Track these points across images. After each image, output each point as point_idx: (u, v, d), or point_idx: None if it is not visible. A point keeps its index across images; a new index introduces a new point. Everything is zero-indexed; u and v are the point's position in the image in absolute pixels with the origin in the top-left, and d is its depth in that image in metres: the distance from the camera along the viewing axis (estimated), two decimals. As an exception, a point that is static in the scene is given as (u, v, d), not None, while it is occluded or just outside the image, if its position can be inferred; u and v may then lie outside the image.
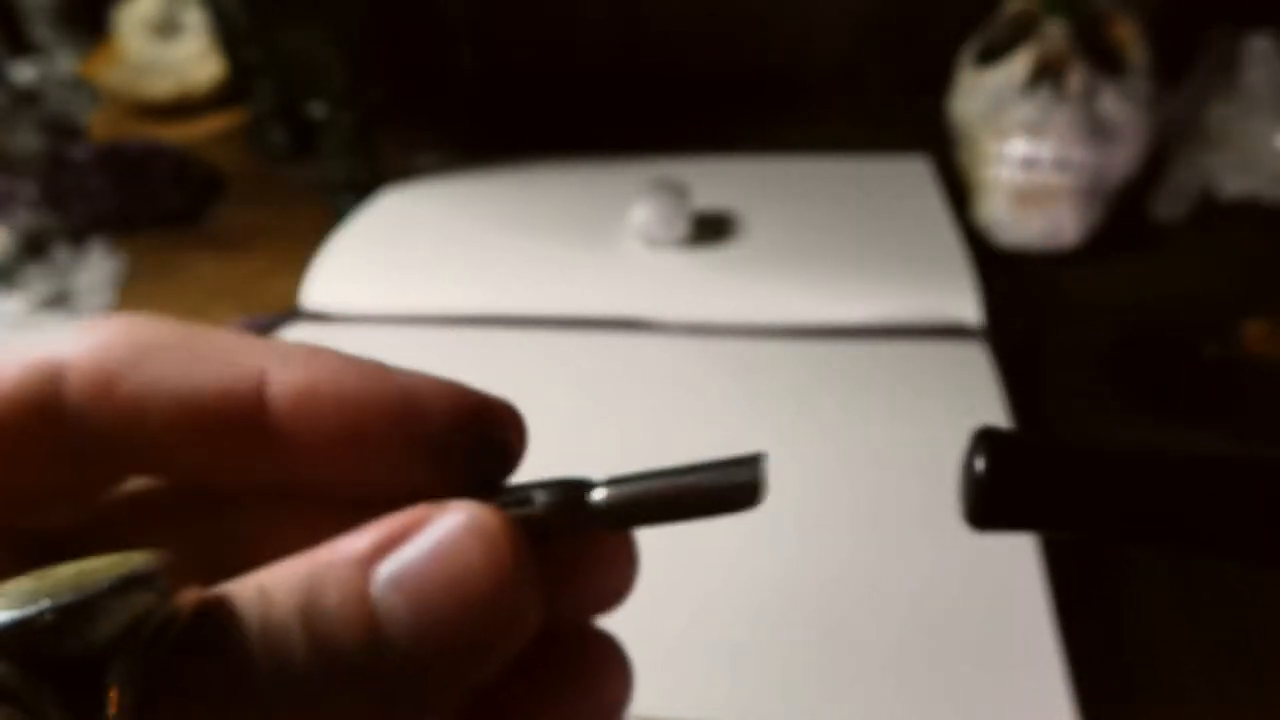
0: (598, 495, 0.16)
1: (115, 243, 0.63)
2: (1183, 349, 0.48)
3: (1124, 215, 0.58)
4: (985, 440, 0.16)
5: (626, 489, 0.16)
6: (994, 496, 0.16)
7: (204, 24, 0.78)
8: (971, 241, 0.54)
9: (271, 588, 0.13)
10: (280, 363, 0.15)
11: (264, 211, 0.67)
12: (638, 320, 0.50)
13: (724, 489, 0.16)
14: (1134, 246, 0.57)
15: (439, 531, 0.14)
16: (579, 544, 0.17)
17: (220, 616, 0.12)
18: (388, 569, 0.13)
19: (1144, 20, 0.57)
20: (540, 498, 0.16)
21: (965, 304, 0.47)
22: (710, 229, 0.56)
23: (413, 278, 0.53)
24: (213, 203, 0.68)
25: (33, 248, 0.62)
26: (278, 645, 0.12)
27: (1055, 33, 0.55)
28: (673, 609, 0.34)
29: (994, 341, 0.46)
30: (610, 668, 0.19)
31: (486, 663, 0.14)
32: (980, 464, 0.16)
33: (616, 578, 0.18)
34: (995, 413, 0.41)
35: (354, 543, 0.14)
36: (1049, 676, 0.31)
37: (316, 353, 0.15)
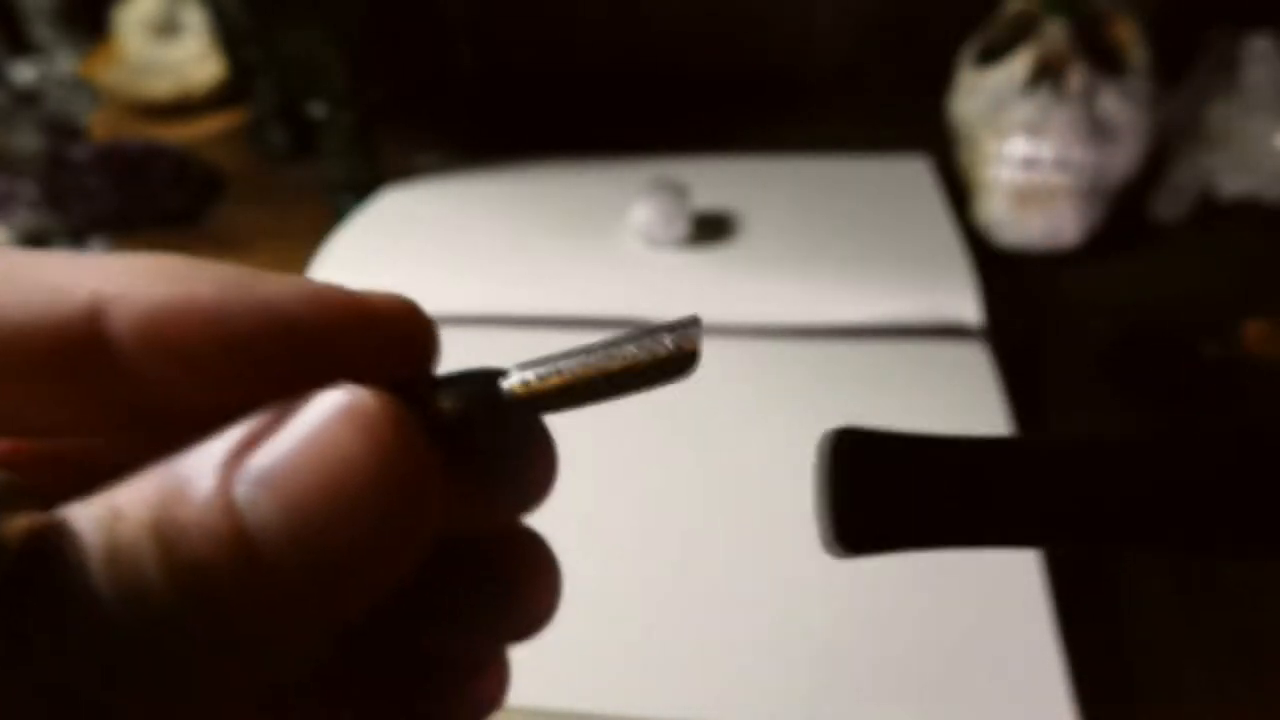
0: (513, 381, 0.15)
1: (115, 243, 0.63)
2: (1183, 349, 0.48)
3: (1124, 215, 0.58)
4: (842, 444, 0.14)
5: (545, 370, 0.15)
6: (862, 510, 0.14)
7: (204, 24, 0.78)
8: (971, 241, 0.54)
9: (121, 504, 0.11)
10: (117, 284, 0.13)
11: (264, 211, 0.67)
12: (638, 320, 0.50)
13: (656, 359, 0.15)
14: (1134, 246, 0.57)
15: (310, 418, 0.12)
16: (497, 440, 0.16)
17: (59, 542, 0.11)
18: (254, 466, 0.12)
19: (1144, 20, 0.57)
20: (445, 390, 0.15)
21: (965, 304, 0.47)
22: (710, 229, 0.56)
23: (412, 278, 0.53)
24: (213, 203, 0.68)
25: (33, 248, 0.62)
26: (127, 571, 0.11)
27: (1055, 33, 0.55)
28: (671, 610, 0.34)
29: (994, 341, 0.46)
30: (538, 573, 0.17)
31: (379, 568, 0.12)
32: (835, 473, 0.14)
33: (538, 471, 0.17)
34: (995, 413, 0.41)
35: (213, 444, 0.12)
36: (1049, 677, 0.31)
37: (160, 266, 0.14)
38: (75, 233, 0.63)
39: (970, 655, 0.32)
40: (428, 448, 0.13)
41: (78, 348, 0.13)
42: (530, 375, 0.15)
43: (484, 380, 0.15)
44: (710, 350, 0.54)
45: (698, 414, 0.43)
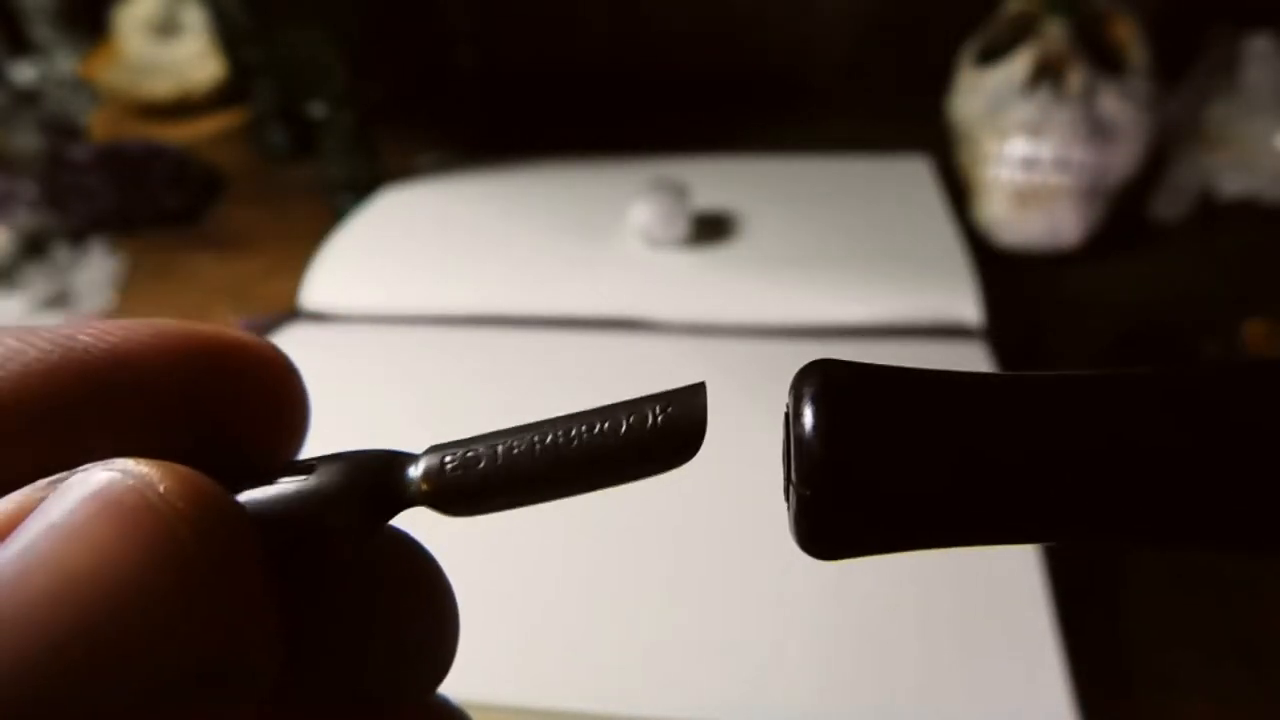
0: (421, 462, 0.11)
1: (115, 243, 0.63)
2: (1183, 349, 0.48)
3: (1124, 215, 0.58)
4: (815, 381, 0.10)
5: (470, 454, 0.11)
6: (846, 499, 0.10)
7: (204, 24, 0.78)
8: (971, 241, 0.54)
9: None
10: None
11: (264, 211, 0.67)
12: (638, 320, 0.50)
13: (637, 440, 0.11)
14: (1134, 246, 0.57)
15: (52, 515, 0.08)
16: (389, 552, 0.12)
17: None
18: None
19: (1145, 20, 0.57)
20: (324, 474, 0.11)
21: (965, 304, 0.47)
22: (710, 229, 0.56)
23: (413, 278, 0.53)
24: (213, 203, 0.68)
25: (33, 248, 0.62)
26: None
27: (1055, 33, 0.55)
28: (670, 610, 0.34)
29: (994, 341, 0.46)
30: (423, 600, 0.12)
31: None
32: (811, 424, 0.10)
33: (430, 620, 0.12)
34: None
35: None
36: (1048, 674, 0.31)
37: None
38: (75, 233, 0.63)
39: (969, 652, 0.32)
40: (256, 565, 0.09)
41: None
42: (449, 460, 0.11)
43: (373, 468, 0.11)
44: (710, 350, 0.54)
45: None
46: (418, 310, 0.51)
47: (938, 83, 0.63)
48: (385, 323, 0.51)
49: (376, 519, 0.11)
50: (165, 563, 0.08)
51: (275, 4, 0.60)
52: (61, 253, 0.62)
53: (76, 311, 0.57)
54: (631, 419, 0.11)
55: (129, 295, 0.59)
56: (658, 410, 0.11)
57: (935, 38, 0.66)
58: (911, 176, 0.61)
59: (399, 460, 0.11)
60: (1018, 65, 0.56)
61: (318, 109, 0.61)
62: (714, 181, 0.60)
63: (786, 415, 0.11)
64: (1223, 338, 0.47)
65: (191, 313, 0.56)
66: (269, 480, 0.10)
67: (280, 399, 0.11)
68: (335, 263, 0.55)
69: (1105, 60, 0.55)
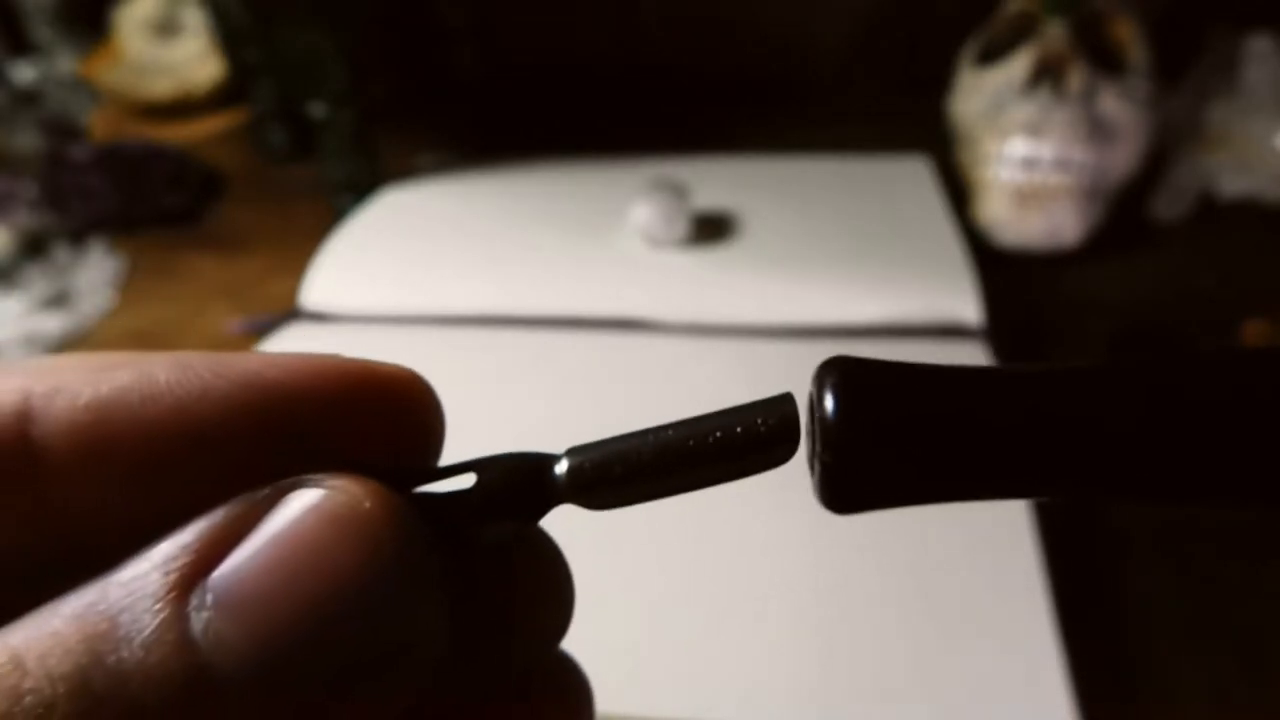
0: (563, 470, 0.12)
1: (115, 243, 0.63)
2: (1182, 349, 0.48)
3: (1124, 215, 0.58)
4: (833, 373, 0.13)
5: (605, 456, 0.12)
6: (863, 455, 0.12)
7: (204, 24, 0.78)
8: (971, 241, 0.54)
9: (22, 652, 0.09)
10: (48, 382, 0.11)
11: (264, 211, 0.67)
12: (638, 320, 0.50)
13: (750, 441, 0.12)
14: (1134, 246, 0.57)
15: (285, 521, 0.10)
16: (536, 547, 0.14)
17: None
18: (215, 585, 0.09)
19: (1147, 20, 0.57)
20: (480, 477, 0.12)
21: (965, 304, 0.47)
22: (710, 229, 0.56)
23: (413, 278, 0.53)
24: (213, 203, 0.68)
25: (33, 248, 0.62)
26: None
27: (1055, 33, 0.55)
28: (669, 609, 0.34)
29: (994, 341, 0.46)
30: (548, 586, 0.14)
31: (373, 710, 0.10)
32: (830, 403, 0.12)
33: (554, 587, 0.14)
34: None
35: (154, 556, 0.10)
36: (1048, 675, 0.31)
37: (103, 359, 0.11)
38: (75, 233, 0.63)
39: (969, 652, 0.32)
40: (440, 560, 0.11)
41: (1, 459, 0.10)
42: (586, 463, 0.12)
43: (526, 469, 0.12)
44: (710, 350, 0.54)
45: (697, 414, 0.43)
46: (417, 310, 0.51)
47: (938, 83, 0.63)
48: (385, 323, 0.51)
49: (532, 517, 0.13)
50: (373, 564, 0.10)
51: (275, 4, 0.60)
52: (61, 253, 0.62)
53: (76, 311, 0.57)
54: (742, 424, 0.13)
55: (129, 295, 0.59)
56: (760, 418, 0.13)
57: (935, 38, 0.66)
58: (911, 176, 0.61)
59: (546, 462, 0.13)
60: (1018, 65, 0.56)
61: (318, 109, 0.61)
62: (714, 181, 0.60)
63: (810, 399, 0.13)
64: (1222, 338, 0.47)
65: (192, 313, 0.56)
66: (427, 480, 0.12)
67: (427, 421, 0.13)
68: (335, 263, 0.55)
69: (1105, 60, 0.55)
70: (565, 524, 0.14)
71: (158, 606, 0.09)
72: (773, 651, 0.33)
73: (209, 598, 0.09)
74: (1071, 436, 0.12)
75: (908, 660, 0.32)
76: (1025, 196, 0.55)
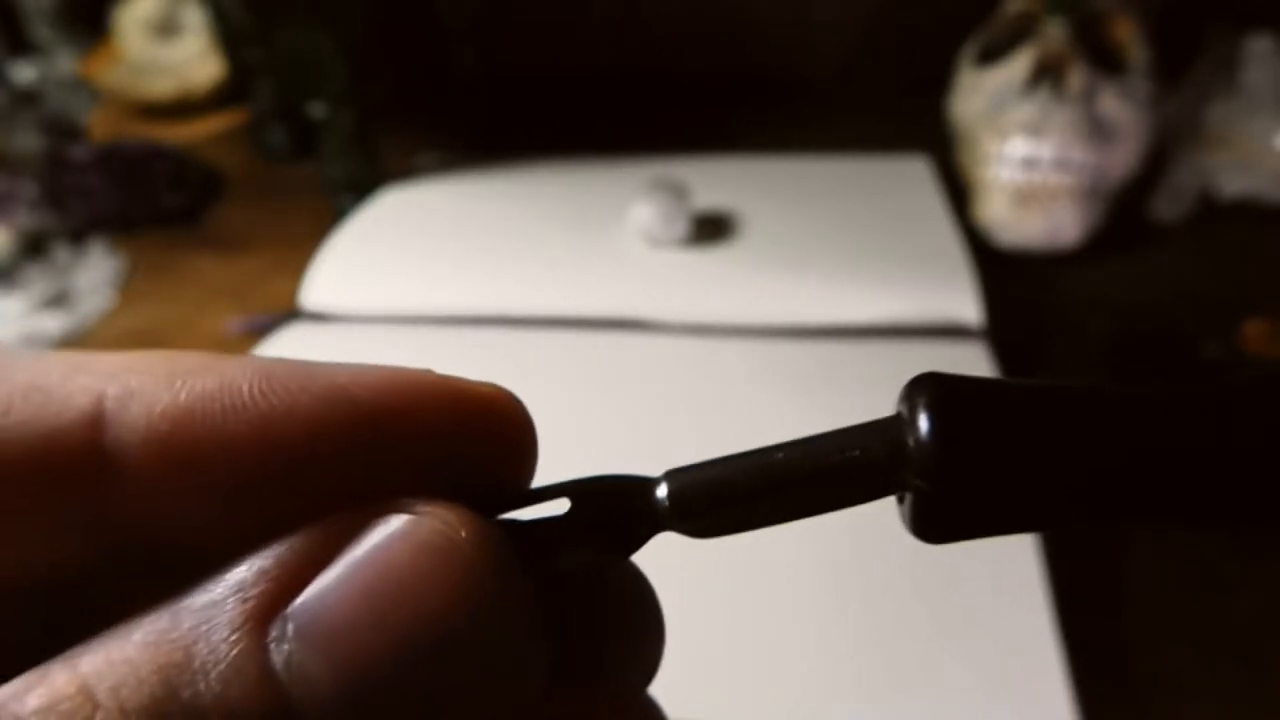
0: (663, 491, 0.12)
1: (115, 243, 0.63)
2: (1183, 349, 0.48)
3: (1124, 215, 0.58)
4: (930, 390, 0.12)
5: (710, 479, 0.11)
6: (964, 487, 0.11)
7: (204, 24, 0.78)
8: (971, 241, 0.54)
9: (93, 682, 0.08)
10: (123, 384, 0.10)
11: (264, 211, 0.67)
12: (638, 320, 0.50)
13: (867, 466, 0.11)
14: (1134, 246, 0.57)
15: (373, 550, 0.09)
16: (626, 580, 0.13)
17: None
18: (298, 615, 0.09)
19: (1147, 20, 0.57)
20: (575, 502, 0.11)
21: (965, 304, 0.47)
22: (710, 229, 0.56)
23: (413, 278, 0.53)
24: (213, 203, 0.68)
25: (33, 248, 0.62)
26: None
27: (1055, 33, 0.55)
28: (669, 609, 0.34)
29: (994, 341, 0.46)
30: (643, 616, 0.14)
31: None
32: (927, 427, 0.11)
33: (649, 621, 0.13)
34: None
35: (232, 580, 0.09)
36: (1049, 676, 0.31)
37: (180, 361, 0.11)
38: (75, 233, 0.63)
39: (970, 652, 0.32)
40: (536, 593, 0.10)
41: (70, 466, 0.10)
42: (689, 488, 0.11)
43: (625, 495, 0.12)
44: (710, 350, 0.54)
45: (697, 414, 0.43)
46: (417, 310, 0.51)
47: (938, 83, 0.63)
48: (385, 323, 0.51)
49: (630, 546, 0.12)
50: (469, 598, 0.09)
51: (275, 4, 0.60)
52: (61, 253, 0.62)
53: (76, 311, 0.57)
54: (861, 448, 0.12)
55: (129, 295, 0.59)
56: (880, 442, 0.12)
57: (935, 38, 0.66)
58: (911, 176, 0.61)
59: (646, 486, 0.12)
60: (1018, 65, 0.56)
61: (318, 109, 0.61)
62: (714, 181, 0.60)
63: (900, 417, 0.12)
64: (1223, 338, 0.47)
65: (192, 313, 0.56)
66: (520, 504, 0.12)
67: (520, 441, 0.12)
68: (335, 263, 0.55)
69: (1105, 60, 0.55)
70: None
71: (234, 636, 0.09)
72: (771, 652, 0.33)
73: (290, 628, 0.09)
74: (1197, 469, 0.12)
75: (908, 660, 0.32)
76: (1025, 197, 0.55)
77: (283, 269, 0.56)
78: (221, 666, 0.09)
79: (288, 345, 0.50)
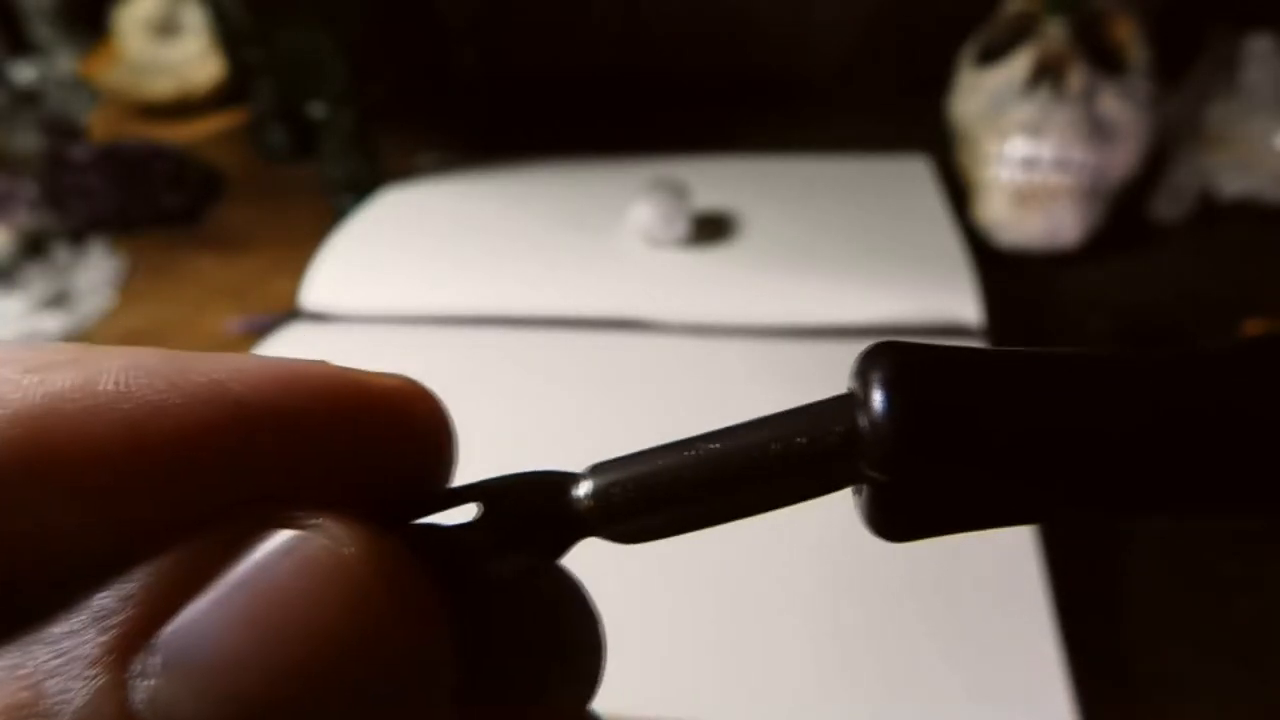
0: (586, 490, 0.10)
1: (115, 243, 0.63)
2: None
3: (1124, 215, 0.58)
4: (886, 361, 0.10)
5: (638, 475, 0.10)
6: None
7: (204, 24, 0.78)
8: (971, 241, 0.54)
9: None
10: None
11: (264, 211, 0.67)
12: (638, 320, 0.50)
13: (822, 454, 0.10)
14: (1134, 246, 0.57)
15: (253, 569, 0.08)
16: (561, 584, 0.12)
17: None
18: (164, 646, 0.08)
19: (1147, 20, 0.57)
20: (485, 506, 0.10)
21: (965, 304, 0.47)
22: (710, 229, 0.56)
23: (413, 278, 0.53)
24: (213, 203, 0.68)
25: (33, 248, 0.62)
26: None
27: (1055, 33, 0.55)
28: (669, 609, 0.34)
29: (994, 342, 0.46)
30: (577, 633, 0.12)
31: None
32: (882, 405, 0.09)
33: (580, 633, 0.12)
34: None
35: (82, 623, 0.08)
36: (1049, 676, 0.31)
37: (50, 356, 0.09)
38: (75, 233, 0.63)
39: (970, 653, 0.32)
40: (442, 611, 0.09)
41: None
42: (614, 487, 0.10)
43: (539, 497, 0.10)
44: (710, 350, 0.54)
45: (697, 414, 0.43)
46: (417, 310, 0.51)
47: (938, 83, 0.63)
48: (385, 323, 0.51)
49: (550, 553, 0.11)
50: (360, 616, 0.08)
51: (275, 4, 0.60)
52: (61, 253, 0.62)
53: (76, 311, 0.57)
54: (808, 433, 0.10)
55: (129, 295, 0.59)
56: (830, 425, 0.10)
57: (935, 38, 0.66)
58: (911, 176, 0.61)
59: (564, 485, 0.11)
60: (1018, 65, 0.56)
61: (318, 109, 0.61)
62: (714, 181, 0.60)
63: (853, 395, 0.10)
64: (1222, 337, 0.47)
65: (192, 313, 0.56)
66: (431, 509, 0.10)
67: (433, 440, 0.11)
68: (335, 263, 0.55)
69: (1105, 60, 0.55)
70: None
71: (92, 672, 0.08)
72: (771, 652, 0.33)
73: (156, 661, 0.08)
74: (1211, 437, 0.10)
75: (907, 660, 0.32)
76: (1025, 196, 0.55)
77: (283, 269, 0.56)
78: (75, 706, 0.08)
79: (288, 345, 0.50)
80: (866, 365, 0.10)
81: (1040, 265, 0.56)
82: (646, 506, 0.10)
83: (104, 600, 0.08)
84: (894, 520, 0.10)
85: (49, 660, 0.08)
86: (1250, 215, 0.59)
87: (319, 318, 0.52)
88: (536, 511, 0.10)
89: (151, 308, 0.57)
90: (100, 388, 0.09)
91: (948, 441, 0.10)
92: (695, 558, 0.36)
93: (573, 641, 0.12)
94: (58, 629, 0.08)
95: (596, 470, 0.11)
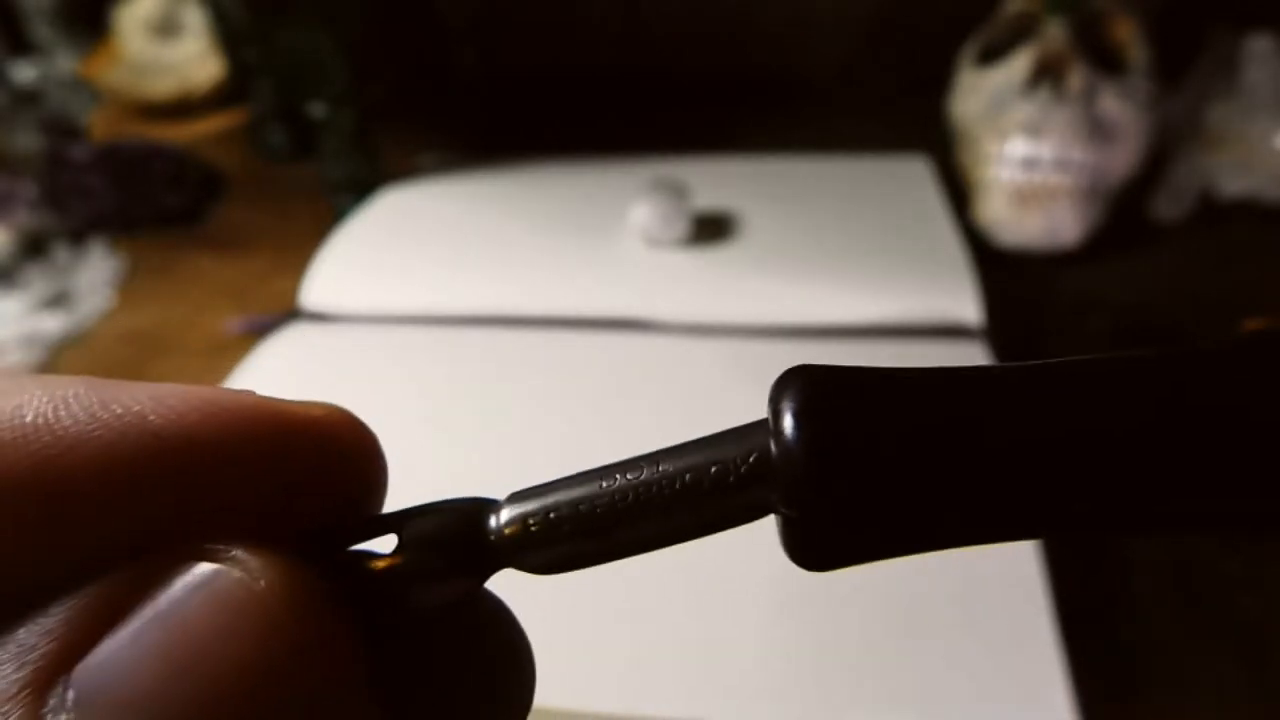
0: (498, 521, 0.10)
1: (115, 243, 0.63)
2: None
3: (1124, 215, 0.58)
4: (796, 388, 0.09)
5: (552, 506, 0.10)
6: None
7: (204, 24, 0.78)
8: (971, 241, 0.54)
9: None
10: None
11: (264, 211, 0.67)
12: (638, 320, 0.50)
13: (731, 485, 0.10)
14: (1134, 246, 0.57)
15: (168, 604, 0.09)
16: (485, 611, 0.12)
17: None
18: (79, 682, 0.08)
19: (1147, 20, 0.57)
20: (401, 536, 0.10)
21: (965, 304, 0.47)
22: (710, 229, 0.56)
23: (413, 278, 0.53)
24: (213, 203, 0.68)
25: (33, 248, 0.62)
26: None
27: (1055, 33, 0.55)
28: (669, 609, 0.34)
29: (994, 341, 0.46)
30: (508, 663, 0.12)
31: None
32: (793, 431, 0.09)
33: (509, 670, 0.12)
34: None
35: (13, 650, 0.08)
36: (1049, 676, 0.31)
37: None
38: (75, 233, 0.63)
39: (970, 653, 0.32)
40: (354, 642, 0.09)
41: None
42: (529, 518, 0.10)
43: (454, 527, 0.10)
44: (710, 350, 0.54)
45: (697, 415, 0.43)
46: (418, 310, 0.51)
47: (938, 83, 0.63)
48: (385, 323, 0.51)
49: (468, 582, 0.11)
50: (271, 650, 0.08)
51: (275, 4, 0.60)
52: (61, 253, 0.62)
53: (76, 311, 0.57)
54: (717, 463, 0.10)
55: (129, 295, 0.59)
56: (738, 460, 0.10)
57: (935, 38, 0.66)
58: (911, 176, 0.61)
59: (480, 515, 0.11)
60: (1018, 65, 0.56)
61: (318, 109, 0.61)
62: (714, 181, 0.60)
63: (766, 422, 0.10)
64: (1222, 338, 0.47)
65: (192, 313, 0.56)
66: (356, 538, 0.10)
67: (361, 470, 0.11)
68: (335, 263, 0.55)
69: (1105, 60, 0.55)
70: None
71: (8, 708, 0.08)
72: (771, 652, 0.33)
73: (70, 696, 0.08)
74: (1125, 455, 0.09)
75: (907, 660, 0.32)
76: (1025, 196, 0.55)
77: (283, 269, 0.56)
78: None
79: (288, 345, 0.50)
80: (777, 392, 0.10)
81: (1040, 265, 0.56)
82: (556, 539, 0.10)
83: (23, 635, 0.08)
84: (810, 551, 0.10)
85: None
86: (1250, 215, 0.59)
87: (319, 318, 0.52)
88: (451, 542, 0.10)
89: (151, 308, 0.57)
90: (24, 419, 0.09)
91: (856, 477, 0.09)
92: (695, 558, 0.36)
93: (501, 667, 0.12)
94: None
95: (511, 500, 0.10)
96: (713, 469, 0.10)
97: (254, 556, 0.09)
